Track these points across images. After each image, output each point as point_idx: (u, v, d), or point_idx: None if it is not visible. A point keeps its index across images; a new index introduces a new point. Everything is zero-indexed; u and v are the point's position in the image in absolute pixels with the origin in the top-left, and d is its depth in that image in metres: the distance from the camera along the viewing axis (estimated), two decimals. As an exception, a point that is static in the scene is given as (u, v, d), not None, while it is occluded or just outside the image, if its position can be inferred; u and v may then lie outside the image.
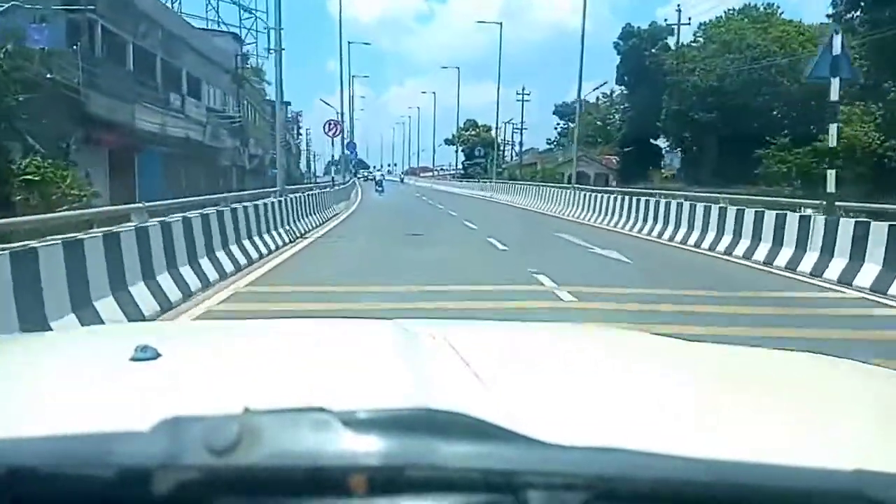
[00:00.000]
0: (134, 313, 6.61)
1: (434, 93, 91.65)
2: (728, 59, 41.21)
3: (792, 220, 11.59)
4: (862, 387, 1.18)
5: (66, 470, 0.56)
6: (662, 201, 17.27)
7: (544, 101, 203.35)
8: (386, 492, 0.55)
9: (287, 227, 14.14)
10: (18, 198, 15.51)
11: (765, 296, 8.86)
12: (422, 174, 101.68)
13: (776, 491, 0.57)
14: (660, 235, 16.34)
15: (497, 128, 59.70)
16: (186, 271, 8.34)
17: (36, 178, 15.99)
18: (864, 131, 28.50)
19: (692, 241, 14.60)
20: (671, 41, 48.39)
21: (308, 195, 18.10)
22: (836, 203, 11.44)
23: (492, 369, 1.02)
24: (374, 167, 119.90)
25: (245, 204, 11.27)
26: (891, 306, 8.50)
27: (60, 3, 22.96)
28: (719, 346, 1.40)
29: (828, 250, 10.34)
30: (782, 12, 45.83)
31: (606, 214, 21.03)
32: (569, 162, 56.35)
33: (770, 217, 12.14)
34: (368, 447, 0.56)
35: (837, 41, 11.18)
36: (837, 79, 11.13)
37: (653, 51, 48.26)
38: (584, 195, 24.16)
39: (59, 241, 5.86)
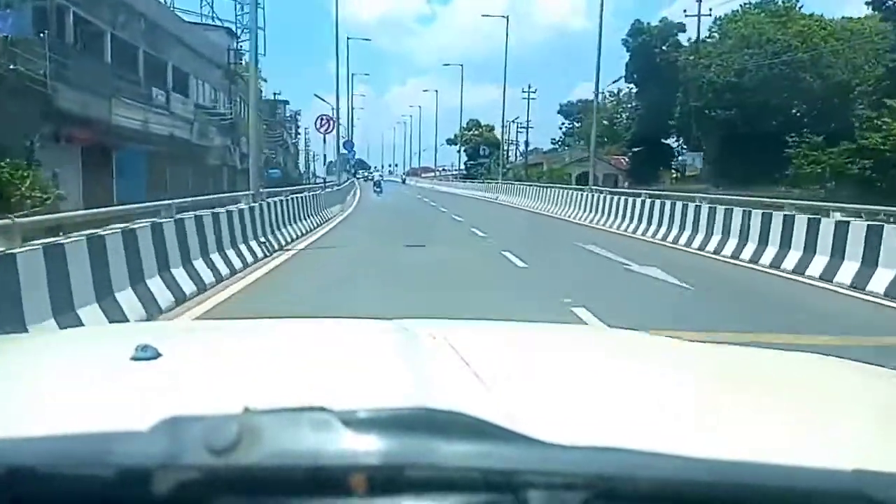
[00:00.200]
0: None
1: (436, 91, 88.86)
2: (746, 55, 39.18)
3: (891, 232, 9.15)
4: (862, 387, 1.17)
5: (66, 470, 0.56)
6: (702, 206, 14.89)
7: (546, 101, 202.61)
8: (386, 491, 0.55)
9: (263, 239, 11.80)
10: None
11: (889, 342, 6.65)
12: (423, 175, 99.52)
13: (776, 491, 0.57)
14: (702, 247, 13.99)
15: (503, 126, 57.51)
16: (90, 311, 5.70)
17: (-10, 179, 14.18)
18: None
19: (746, 255, 12.26)
20: (682, 38, 46.81)
21: (293, 199, 15.49)
22: None
23: (492, 369, 1.02)
24: (375, 167, 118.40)
25: (201, 213, 8.71)
26: None
27: (26, -13, 20.99)
28: (719, 346, 1.46)
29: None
30: (801, 6, 44.00)
31: (631, 220, 18.74)
32: (576, 162, 54.73)
33: (859, 229, 9.67)
34: (368, 447, 0.55)
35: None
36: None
37: (663, 48, 46.74)
38: (604, 198, 21.82)
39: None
